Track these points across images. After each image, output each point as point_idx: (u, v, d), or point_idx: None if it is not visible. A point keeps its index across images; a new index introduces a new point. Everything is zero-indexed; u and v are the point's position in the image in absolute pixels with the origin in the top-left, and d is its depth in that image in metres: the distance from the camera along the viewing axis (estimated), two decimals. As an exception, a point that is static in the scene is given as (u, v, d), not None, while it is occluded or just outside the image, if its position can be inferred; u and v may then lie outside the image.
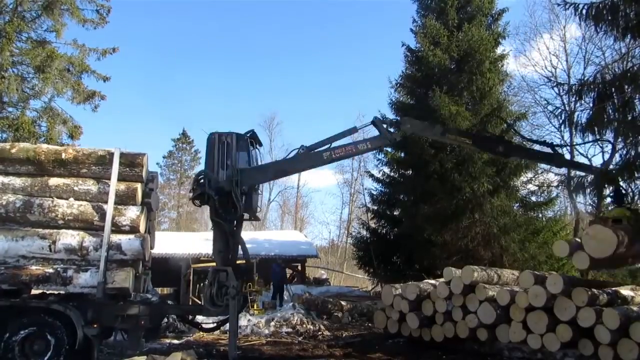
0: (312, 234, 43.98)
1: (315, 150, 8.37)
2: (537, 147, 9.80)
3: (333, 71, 73.83)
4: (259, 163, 9.03)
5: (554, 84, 16.44)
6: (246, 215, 8.64)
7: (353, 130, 8.77)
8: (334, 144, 8.40)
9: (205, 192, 7.90)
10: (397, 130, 8.59)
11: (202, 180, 8.03)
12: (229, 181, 7.96)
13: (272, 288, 17.13)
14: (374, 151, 7.54)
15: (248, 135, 8.70)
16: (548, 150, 8.92)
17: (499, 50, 17.53)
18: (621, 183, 7.90)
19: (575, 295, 7.39)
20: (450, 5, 17.37)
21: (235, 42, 73.59)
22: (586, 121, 8.26)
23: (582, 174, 9.28)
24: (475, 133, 11.88)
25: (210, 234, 9.52)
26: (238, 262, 8.53)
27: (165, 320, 10.41)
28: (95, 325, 7.10)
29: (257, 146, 9.05)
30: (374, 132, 8.79)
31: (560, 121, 11.73)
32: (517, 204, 16.41)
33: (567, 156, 21.37)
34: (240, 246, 8.18)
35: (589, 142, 10.23)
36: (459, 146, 12.72)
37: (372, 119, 8.68)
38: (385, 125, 8.58)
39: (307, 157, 8.42)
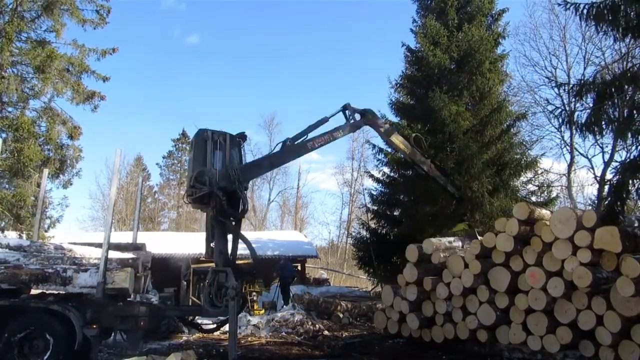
0: (312, 234, 44.02)
1: (299, 141, 9.11)
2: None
3: (333, 71, 73.87)
4: (245, 161, 9.12)
5: (555, 85, 16.44)
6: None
7: (324, 120, 9.56)
8: (314, 134, 9.27)
9: (212, 191, 7.74)
10: (360, 117, 9.95)
11: (204, 180, 7.82)
12: (230, 179, 7.90)
13: (278, 287, 16.58)
14: (348, 135, 10.10)
15: (237, 135, 8.83)
16: None
17: (499, 50, 17.53)
18: None
19: (575, 298, 7.37)
20: (450, 5, 17.33)
21: (234, 42, 73.62)
22: (586, 121, 8.24)
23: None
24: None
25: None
26: (239, 262, 8.49)
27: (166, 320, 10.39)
28: (94, 326, 7.07)
29: (243, 143, 9.15)
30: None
31: (560, 121, 11.71)
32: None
33: (568, 156, 21.48)
34: (246, 245, 8.07)
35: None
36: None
37: (342, 105, 9.84)
38: (348, 112, 9.82)
39: (294, 148, 9.12)
